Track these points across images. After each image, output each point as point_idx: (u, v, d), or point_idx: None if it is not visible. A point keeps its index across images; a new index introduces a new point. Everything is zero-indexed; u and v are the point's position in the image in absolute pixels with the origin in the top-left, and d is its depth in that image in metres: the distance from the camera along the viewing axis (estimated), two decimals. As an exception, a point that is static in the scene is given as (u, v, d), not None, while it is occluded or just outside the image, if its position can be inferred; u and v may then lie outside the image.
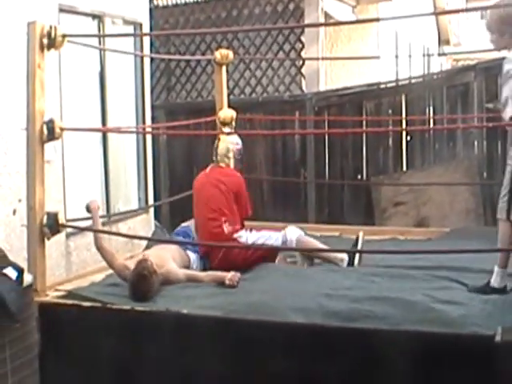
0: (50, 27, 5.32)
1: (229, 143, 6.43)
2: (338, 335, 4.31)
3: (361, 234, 6.29)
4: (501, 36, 4.87)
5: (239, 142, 6.53)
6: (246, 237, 5.97)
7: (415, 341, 4.13)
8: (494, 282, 4.87)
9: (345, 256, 5.82)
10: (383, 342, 4.17)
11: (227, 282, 5.24)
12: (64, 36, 5.42)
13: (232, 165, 6.50)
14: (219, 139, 6.50)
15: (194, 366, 4.58)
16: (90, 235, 6.68)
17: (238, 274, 5.34)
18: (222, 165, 6.38)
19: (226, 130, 7.10)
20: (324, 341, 4.29)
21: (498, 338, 3.89)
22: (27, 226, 5.29)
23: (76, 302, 4.97)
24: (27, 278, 4.57)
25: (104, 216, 7.39)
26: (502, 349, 3.87)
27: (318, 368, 4.28)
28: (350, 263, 5.79)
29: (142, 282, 5.07)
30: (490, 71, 8.94)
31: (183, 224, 6.56)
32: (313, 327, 4.37)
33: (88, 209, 5.77)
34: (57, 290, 5.32)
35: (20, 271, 4.49)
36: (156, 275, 5.15)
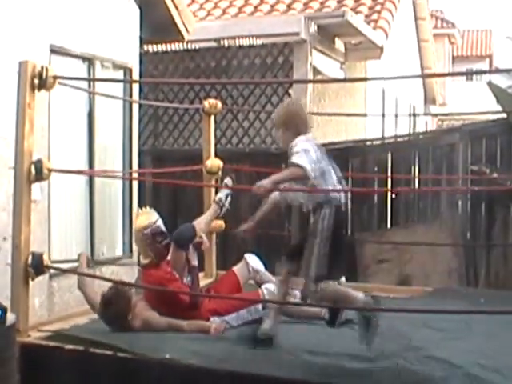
0: (42, 68, 5.33)
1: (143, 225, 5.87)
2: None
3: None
4: (285, 131, 5.10)
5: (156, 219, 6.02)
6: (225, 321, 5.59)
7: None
8: None
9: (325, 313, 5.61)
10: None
11: (212, 331, 5.18)
12: (55, 77, 5.43)
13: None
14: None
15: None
16: (73, 277, 6.64)
17: (224, 324, 5.28)
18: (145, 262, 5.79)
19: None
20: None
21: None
22: (11, 264, 5.22)
23: (58, 344, 4.90)
24: (10, 318, 4.48)
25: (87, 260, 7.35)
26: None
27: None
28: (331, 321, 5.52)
29: (109, 301, 5.21)
30: (475, 133, 9.05)
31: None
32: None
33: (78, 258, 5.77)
34: (39, 331, 5.25)
35: (3, 310, 4.41)
36: (126, 294, 5.24)
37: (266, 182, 4.79)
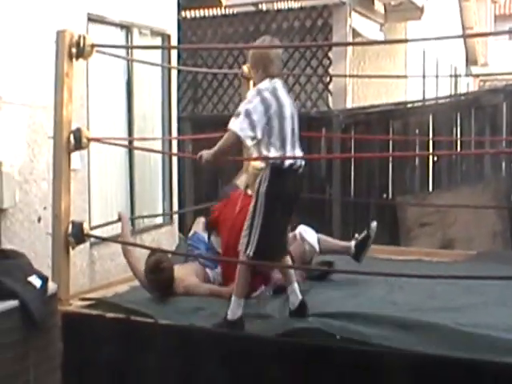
0: (79, 36, 5.34)
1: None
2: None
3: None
4: (255, 73, 4.91)
5: None
6: None
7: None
8: None
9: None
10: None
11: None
12: (93, 46, 5.44)
13: None
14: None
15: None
16: (113, 245, 6.67)
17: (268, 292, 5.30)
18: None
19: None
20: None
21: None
22: (52, 234, 5.26)
23: (99, 312, 4.94)
24: (51, 287, 4.53)
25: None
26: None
27: None
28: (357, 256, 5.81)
29: (154, 268, 5.26)
30: (520, 93, 8.87)
31: (195, 229, 6.23)
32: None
33: (119, 218, 5.80)
34: (80, 300, 5.29)
35: (44, 280, 4.45)
36: (168, 263, 5.29)
37: (205, 155, 4.72)
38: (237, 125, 4.60)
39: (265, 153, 4.66)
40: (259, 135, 4.61)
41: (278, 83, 4.85)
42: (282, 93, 4.85)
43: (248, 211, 4.73)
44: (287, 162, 4.67)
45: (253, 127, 4.58)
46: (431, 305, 5.03)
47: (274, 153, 4.64)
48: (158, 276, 5.26)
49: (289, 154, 4.68)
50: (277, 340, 4.45)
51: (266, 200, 4.61)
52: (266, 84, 4.76)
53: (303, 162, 4.78)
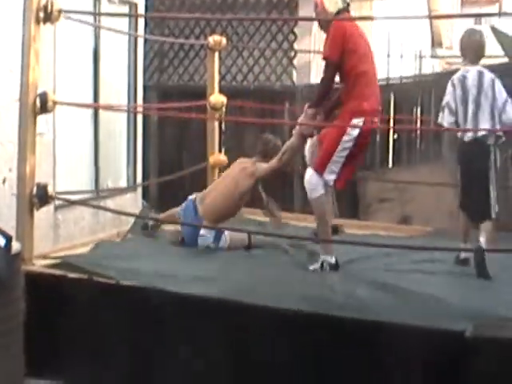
0: (47, 1, 5.36)
1: None
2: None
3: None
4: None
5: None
6: None
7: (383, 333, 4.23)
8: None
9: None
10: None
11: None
12: (60, 11, 5.47)
13: None
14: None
15: (175, 343, 4.65)
16: (78, 209, 6.74)
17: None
18: None
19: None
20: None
21: (468, 334, 3.97)
22: (17, 195, 5.31)
23: (62, 272, 5.01)
24: (15, 246, 4.57)
25: (92, 191, 7.49)
26: (472, 345, 3.93)
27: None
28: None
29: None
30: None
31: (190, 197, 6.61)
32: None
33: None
34: (44, 259, 5.36)
35: (8, 238, 4.48)
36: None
37: None
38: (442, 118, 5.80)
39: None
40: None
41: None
42: None
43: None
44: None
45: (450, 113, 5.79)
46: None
47: None
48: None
49: None
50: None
51: None
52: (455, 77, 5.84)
53: None
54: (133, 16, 8.57)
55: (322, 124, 5.80)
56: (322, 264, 5.48)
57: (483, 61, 11.23)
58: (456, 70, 9.77)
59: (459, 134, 5.76)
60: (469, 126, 5.62)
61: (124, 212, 7.31)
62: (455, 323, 4.10)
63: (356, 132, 5.48)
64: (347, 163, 5.57)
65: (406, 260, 5.82)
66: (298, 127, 5.98)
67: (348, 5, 5.84)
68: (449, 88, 5.78)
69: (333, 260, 5.50)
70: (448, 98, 5.75)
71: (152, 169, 10.14)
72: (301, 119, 5.85)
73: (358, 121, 5.48)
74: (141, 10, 8.67)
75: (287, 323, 4.37)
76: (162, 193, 10.02)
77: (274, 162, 6.22)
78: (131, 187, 8.40)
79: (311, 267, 5.52)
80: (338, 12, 5.74)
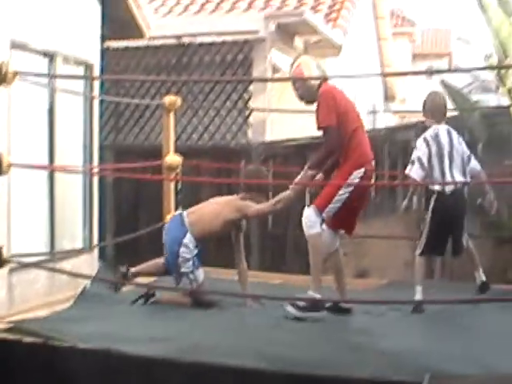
0: (2, 63, 5.39)
1: None
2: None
3: None
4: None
5: None
6: None
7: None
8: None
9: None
10: None
11: None
12: (15, 73, 5.50)
13: None
14: None
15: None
16: (33, 271, 6.69)
17: None
18: None
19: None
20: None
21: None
22: (-29, 256, 5.27)
23: (17, 337, 4.94)
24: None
25: (47, 253, 7.44)
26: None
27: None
28: None
29: None
30: (431, 129, 9.20)
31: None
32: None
33: None
34: (-3, 324, 5.29)
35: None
36: None
37: None
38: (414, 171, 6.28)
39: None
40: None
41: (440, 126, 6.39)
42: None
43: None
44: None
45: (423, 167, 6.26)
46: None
47: None
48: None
49: None
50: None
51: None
52: (428, 133, 6.31)
53: None
54: (88, 78, 8.65)
55: (320, 183, 6.00)
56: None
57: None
58: (410, 125, 10.06)
59: (437, 186, 6.14)
60: (447, 178, 6.10)
61: (79, 274, 7.25)
62: (411, 376, 4.14)
63: (356, 180, 5.80)
64: (345, 207, 5.82)
65: (362, 313, 5.89)
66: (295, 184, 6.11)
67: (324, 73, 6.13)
68: (421, 144, 6.26)
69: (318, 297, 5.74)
70: (420, 153, 6.22)
71: (108, 228, 10.13)
72: (300, 177, 6.00)
73: (359, 171, 5.78)
74: (96, 70, 8.76)
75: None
76: (118, 253, 10.00)
77: (266, 205, 6.26)
78: (87, 248, 8.39)
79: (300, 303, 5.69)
80: (320, 83, 5.95)
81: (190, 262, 6.13)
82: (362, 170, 5.80)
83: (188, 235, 6.19)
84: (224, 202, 6.49)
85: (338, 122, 5.76)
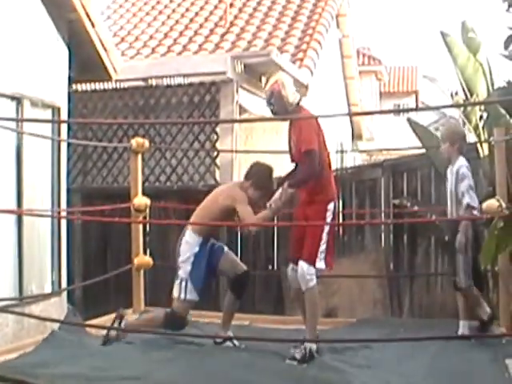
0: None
1: None
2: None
3: None
4: (451, 145, 6.44)
5: None
6: None
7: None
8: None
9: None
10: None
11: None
12: (-19, 117, 5.53)
13: None
14: None
15: None
16: (1, 315, 6.66)
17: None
18: None
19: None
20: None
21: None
22: None
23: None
24: None
25: (16, 298, 7.40)
26: None
27: None
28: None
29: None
30: (397, 168, 9.33)
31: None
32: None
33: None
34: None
35: None
36: None
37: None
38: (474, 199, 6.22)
39: None
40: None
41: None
42: None
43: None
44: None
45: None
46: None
47: None
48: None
49: None
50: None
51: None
52: (464, 162, 6.41)
53: None
54: (55, 122, 8.67)
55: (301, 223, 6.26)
56: (304, 349, 5.84)
57: (400, 153, 11.63)
58: (377, 163, 10.17)
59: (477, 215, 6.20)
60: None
61: (48, 318, 7.22)
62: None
63: (331, 215, 6.04)
64: (328, 243, 6.05)
65: (332, 352, 5.94)
66: (273, 203, 6.08)
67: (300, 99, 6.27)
68: (468, 173, 6.38)
69: (314, 347, 5.89)
70: (470, 181, 6.33)
71: (76, 271, 10.09)
72: (278, 195, 6.03)
73: (331, 205, 6.04)
74: (64, 113, 8.77)
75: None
76: (86, 295, 9.95)
77: (251, 217, 6.18)
78: (56, 292, 8.34)
79: (296, 354, 5.83)
80: (298, 103, 6.05)
81: (189, 267, 6.10)
82: (333, 203, 6.04)
83: (188, 232, 6.20)
84: (224, 188, 6.62)
85: (318, 148, 5.92)
